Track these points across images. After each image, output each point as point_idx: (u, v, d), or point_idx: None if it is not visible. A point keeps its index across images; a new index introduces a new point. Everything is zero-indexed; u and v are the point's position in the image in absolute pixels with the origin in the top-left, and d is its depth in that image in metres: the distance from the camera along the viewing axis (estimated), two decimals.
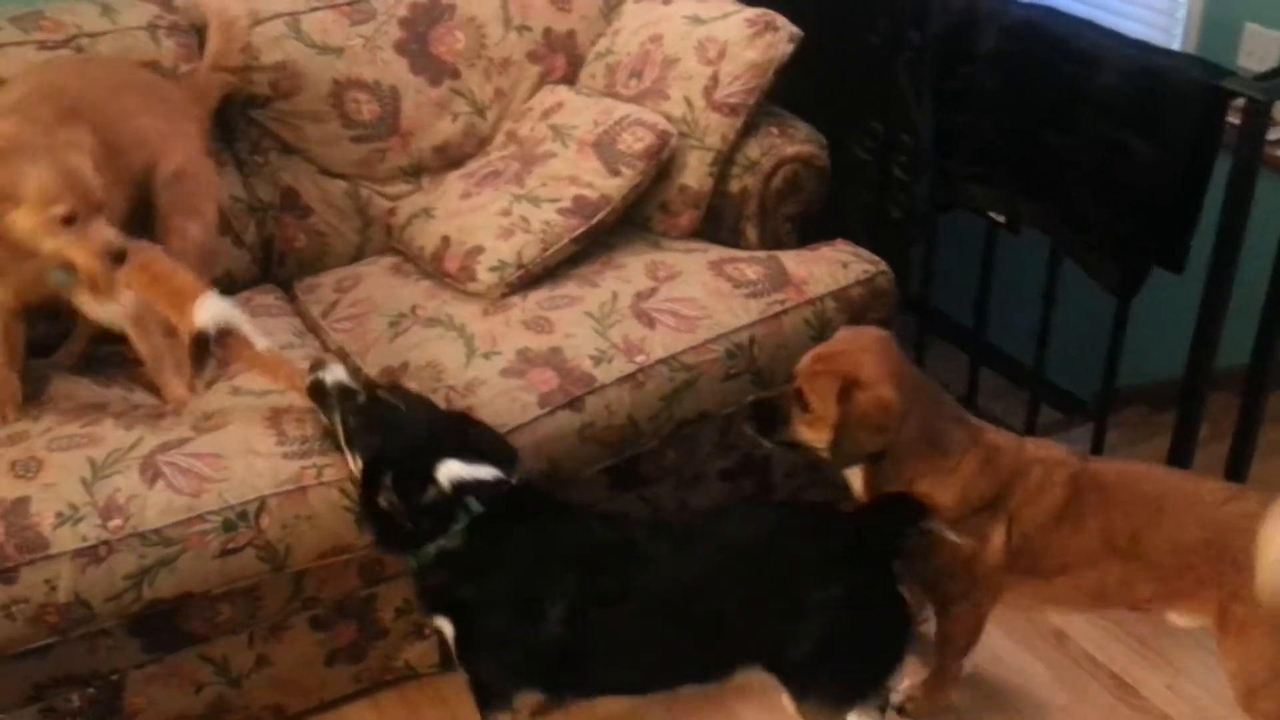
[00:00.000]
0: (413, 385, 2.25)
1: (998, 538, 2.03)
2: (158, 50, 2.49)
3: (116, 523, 2.00)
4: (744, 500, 2.61)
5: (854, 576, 1.98)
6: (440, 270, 2.58)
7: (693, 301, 2.46)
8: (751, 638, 2.00)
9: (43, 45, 2.40)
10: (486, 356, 2.35)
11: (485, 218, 2.57)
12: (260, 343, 2.15)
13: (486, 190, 2.64)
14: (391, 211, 2.76)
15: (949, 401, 2.11)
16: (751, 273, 2.53)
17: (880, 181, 2.83)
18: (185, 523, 2.03)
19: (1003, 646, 2.43)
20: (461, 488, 1.96)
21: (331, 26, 2.66)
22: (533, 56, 2.84)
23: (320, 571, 2.19)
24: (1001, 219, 2.72)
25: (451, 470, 1.96)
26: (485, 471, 1.99)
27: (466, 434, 2.05)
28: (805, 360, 2.08)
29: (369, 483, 1.98)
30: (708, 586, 1.98)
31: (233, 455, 2.11)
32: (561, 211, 2.56)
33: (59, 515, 1.98)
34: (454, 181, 2.73)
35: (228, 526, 2.05)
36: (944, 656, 2.23)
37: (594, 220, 2.56)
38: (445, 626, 2.05)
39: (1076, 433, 2.99)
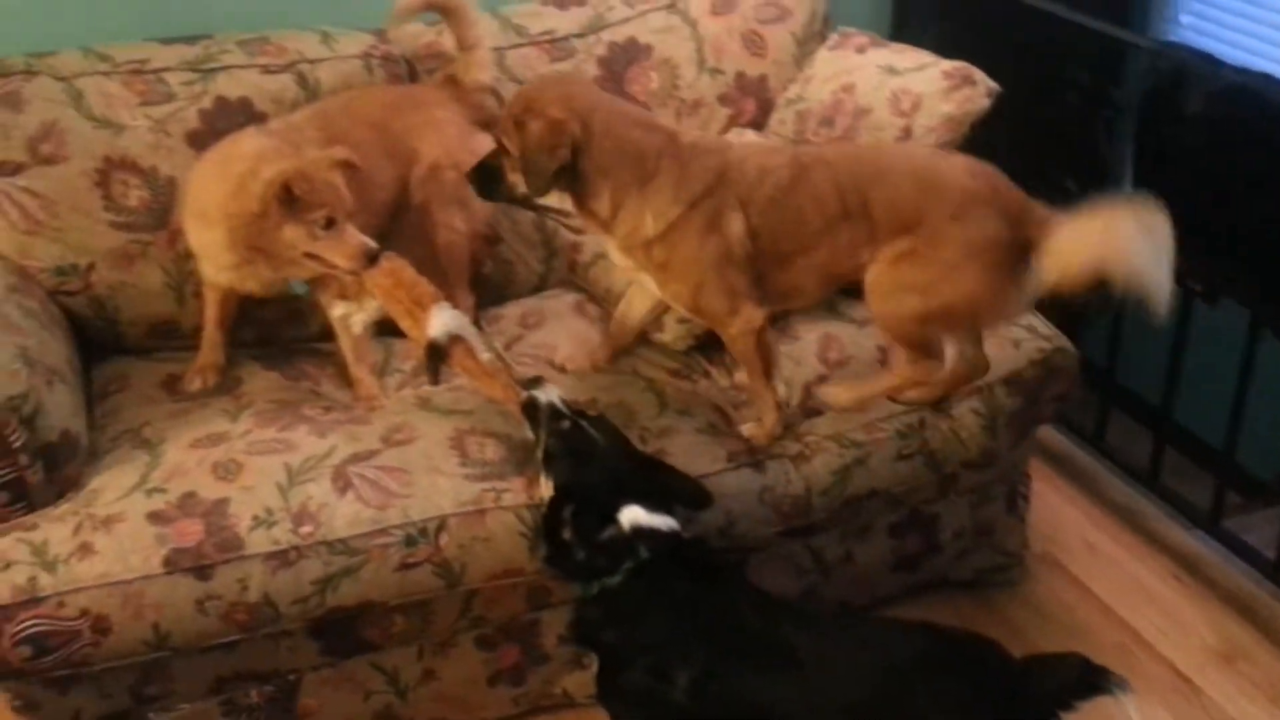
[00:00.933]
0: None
1: (736, 225, 2.16)
2: (370, 79, 2.60)
3: (307, 529, 2.07)
4: (908, 575, 2.53)
5: None
6: None
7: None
8: None
9: (265, 69, 2.53)
10: (680, 414, 2.38)
11: None
12: (484, 354, 2.26)
13: None
14: (576, 247, 2.81)
15: (636, 111, 2.31)
16: None
17: None
18: (370, 535, 2.10)
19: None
20: (639, 533, 1.98)
21: (534, 62, 2.74)
22: (724, 99, 2.87)
23: (490, 592, 2.24)
24: (1199, 288, 2.63)
25: (634, 515, 1.98)
26: (663, 521, 2.01)
27: (657, 479, 2.07)
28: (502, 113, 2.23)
29: (553, 509, 2.02)
30: (838, 698, 1.86)
31: (418, 472, 2.17)
32: None
33: (255, 518, 2.07)
34: None
35: (409, 542, 2.11)
36: (753, 382, 2.33)
37: None
38: (593, 662, 2.07)
39: (1259, 516, 2.87)
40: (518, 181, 2.17)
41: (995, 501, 2.67)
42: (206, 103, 2.48)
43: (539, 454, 2.11)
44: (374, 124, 2.46)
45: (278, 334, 2.60)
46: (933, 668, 1.84)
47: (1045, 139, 2.78)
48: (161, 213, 2.47)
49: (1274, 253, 2.44)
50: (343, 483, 2.13)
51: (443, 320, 2.23)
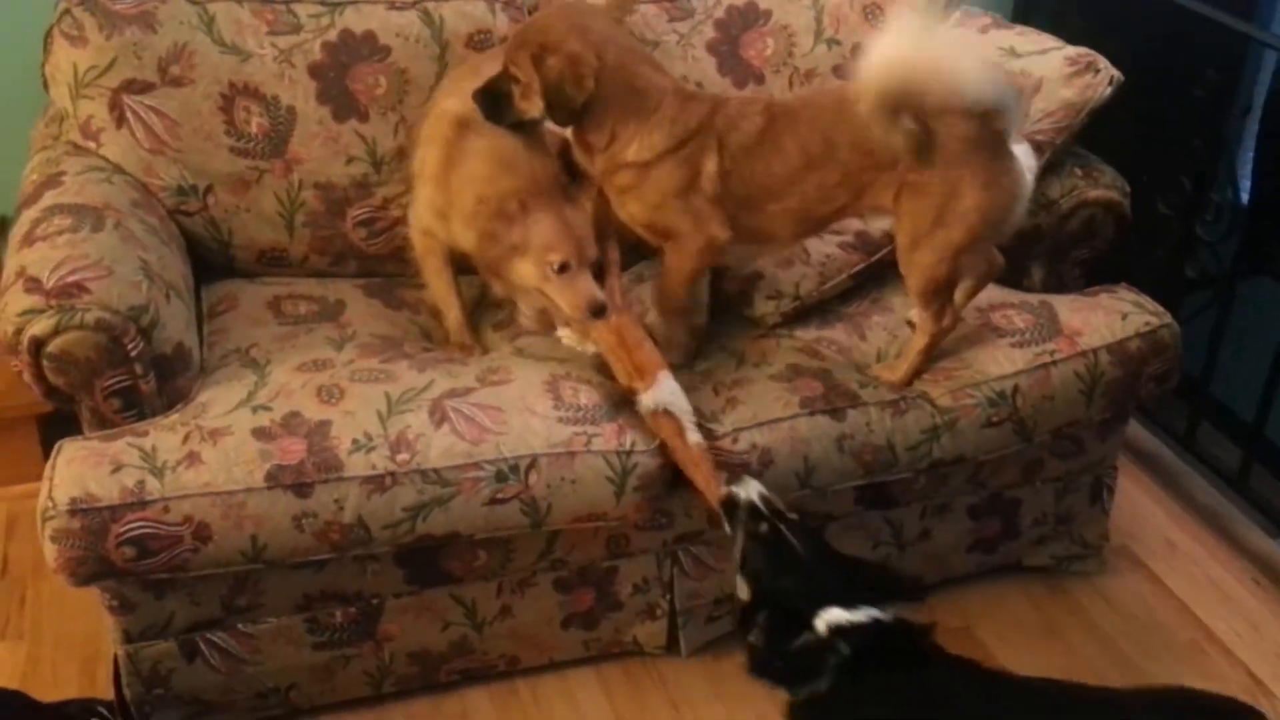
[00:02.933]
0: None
1: (710, 164, 2.23)
2: (493, 22, 2.61)
3: (404, 457, 2.12)
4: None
5: None
6: (719, 289, 2.59)
7: (953, 355, 2.43)
8: None
9: (392, 5, 2.56)
10: (756, 365, 2.41)
11: None
12: (692, 436, 2.20)
13: None
14: None
15: (643, 50, 2.39)
16: (1020, 321, 2.47)
17: (1179, 240, 2.73)
18: (463, 467, 2.14)
19: None
20: (838, 631, 1.86)
21: (652, 20, 2.73)
22: (838, 71, 2.85)
23: (572, 535, 2.29)
24: None
25: (832, 616, 1.87)
26: (864, 614, 1.88)
27: (861, 580, 1.96)
28: (508, 40, 2.28)
29: (747, 614, 1.96)
30: None
31: (512, 411, 2.21)
32: (843, 246, 2.58)
33: (354, 442, 2.12)
34: None
35: (499, 477, 2.15)
36: (665, 286, 2.36)
37: (875, 257, 2.57)
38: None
39: None
40: (527, 108, 2.21)
41: (1079, 492, 2.66)
42: (332, 35, 2.52)
43: (736, 555, 2.04)
44: None
45: (380, 268, 2.66)
46: None
47: (1164, 134, 2.73)
48: (279, 142, 2.52)
49: None
50: (440, 415, 2.18)
51: (661, 393, 2.20)
